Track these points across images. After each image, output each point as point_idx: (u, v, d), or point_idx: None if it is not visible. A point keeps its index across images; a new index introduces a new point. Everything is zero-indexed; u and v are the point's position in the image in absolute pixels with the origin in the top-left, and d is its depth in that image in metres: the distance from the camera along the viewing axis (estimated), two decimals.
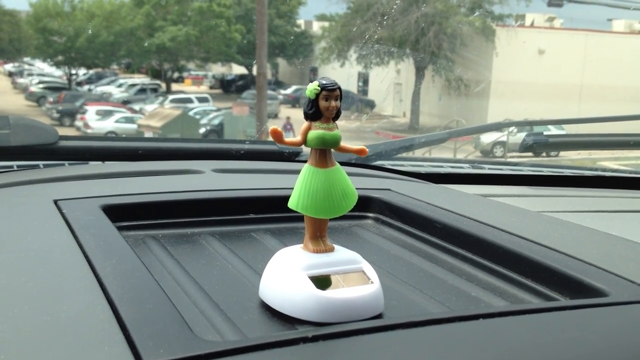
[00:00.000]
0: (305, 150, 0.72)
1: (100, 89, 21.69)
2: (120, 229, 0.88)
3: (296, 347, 0.54)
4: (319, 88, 0.67)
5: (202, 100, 19.51)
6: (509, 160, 3.59)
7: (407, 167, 1.72)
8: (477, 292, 0.78)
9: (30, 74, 23.75)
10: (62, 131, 1.46)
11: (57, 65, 22.99)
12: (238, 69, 25.29)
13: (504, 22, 17.81)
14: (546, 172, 1.87)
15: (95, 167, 1.40)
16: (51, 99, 19.16)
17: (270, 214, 1.01)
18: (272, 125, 0.67)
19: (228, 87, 24.45)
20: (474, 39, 16.67)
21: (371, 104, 18.51)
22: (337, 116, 0.69)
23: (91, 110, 16.68)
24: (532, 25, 17.99)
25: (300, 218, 0.73)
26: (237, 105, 15.41)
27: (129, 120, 16.13)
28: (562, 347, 0.57)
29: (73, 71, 22.86)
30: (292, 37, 23.14)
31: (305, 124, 0.69)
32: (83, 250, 0.75)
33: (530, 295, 0.77)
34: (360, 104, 17.27)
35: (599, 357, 0.57)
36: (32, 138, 1.37)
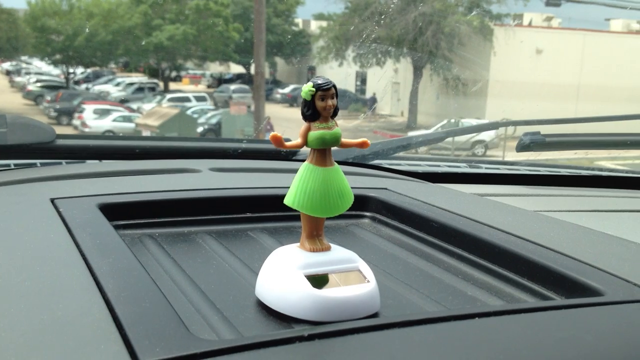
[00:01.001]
0: (303, 149, 0.72)
1: (97, 87, 21.65)
2: (117, 227, 0.88)
3: (292, 346, 0.54)
4: (314, 89, 0.67)
5: (199, 99, 19.49)
6: (505, 159, 3.59)
7: (404, 166, 1.73)
8: (474, 291, 0.79)
9: (27, 73, 23.69)
10: (60, 130, 1.47)
11: (55, 63, 22.94)
12: (236, 68, 25.26)
13: (502, 21, 17.80)
14: (543, 171, 1.87)
15: (92, 165, 1.40)
16: (49, 98, 19.11)
17: (267, 213, 1.01)
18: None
19: None
20: (472, 39, 16.66)
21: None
22: (334, 114, 0.69)
23: (89, 109, 16.64)
24: (529, 25, 17.99)
25: (297, 217, 0.73)
26: (234, 104, 15.39)
27: (127, 119, 16.10)
28: (557, 346, 0.57)
29: (71, 70, 22.81)
30: (289, 36, 23.12)
31: (305, 125, 0.69)
32: (80, 249, 0.75)
33: (526, 295, 0.77)
34: (371, 102, 17.26)
35: (595, 356, 0.57)
36: (29, 137, 1.37)
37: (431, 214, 0.98)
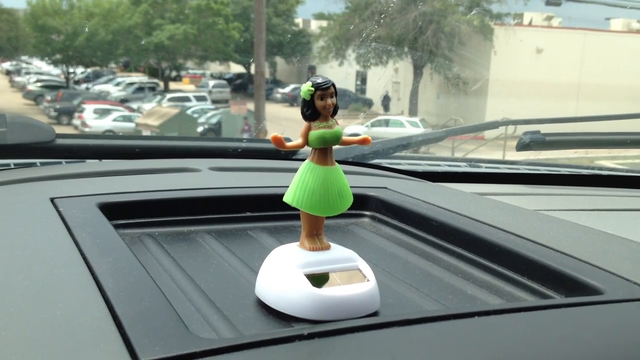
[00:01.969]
0: (304, 148, 0.72)
1: (98, 87, 21.65)
2: (116, 227, 0.88)
3: (292, 345, 0.54)
4: (313, 88, 0.67)
5: (200, 98, 19.50)
6: (505, 158, 3.59)
7: (404, 165, 1.72)
8: (473, 290, 0.79)
9: (27, 73, 23.68)
10: (60, 129, 1.47)
11: (55, 63, 22.94)
12: (236, 68, 25.25)
13: (502, 20, 17.81)
14: (543, 170, 1.87)
15: (92, 165, 1.40)
16: (49, 98, 19.09)
17: (266, 212, 1.01)
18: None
19: None
20: (472, 38, 16.66)
21: (369, 103, 18.52)
22: (334, 112, 0.69)
23: (89, 108, 16.64)
24: (530, 24, 17.98)
25: (296, 216, 0.73)
26: (235, 104, 15.40)
27: (127, 118, 16.10)
28: (557, 344, 0.57)
29: (71, 70, 22.81)
30: (290, 36, 23.11)
31: (305, 124, 0.69)
32: (79, 248, 0.75)
33: (525, 293, 0.77)
34: (384, 101, 17.26)
35: (594, 355, 0.57)
36: (29, 136, 1.37)
37: (431, 213, 0.98)
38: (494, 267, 0.84)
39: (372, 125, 14.37)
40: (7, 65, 25.15)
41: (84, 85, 22.46)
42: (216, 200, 1.01)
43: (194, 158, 1.39)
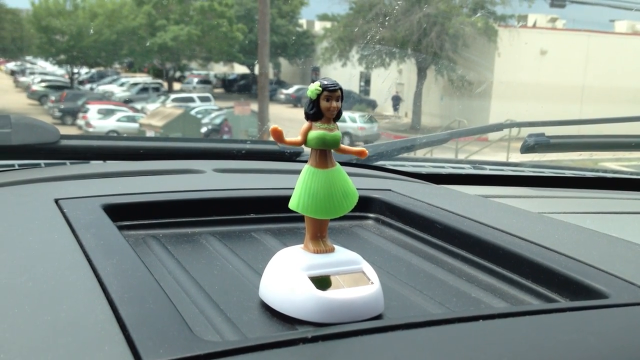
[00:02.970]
0: (306, 150, 0.72)
1: (102, 87, 21.66)
2: (120, 228, 0.88)
3: (296, 348, 0.54)
4: (321, 89, 0.67)
5: (203, 99, 19.51)
6: (510, 161, 3.58)
7: (408, 167, 1.72)
8: (477, 293, 0.78)
9: (32, 73, 23.71)
10: (64, 130, 1.47)
11: (59, 64, 22.97)
12: (240, 69, 25.27)
13: (507, 22, 17.79)
14: (547, 173, 1.87)
15: (96, 166, 1.40)
16: (53, 98, 19.12)
17: (270, 214, 1.01)
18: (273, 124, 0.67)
19: (230, 87, 24.46)
20: (476, 40, 16.65)
21: (373, 104, 18.50)
22: (337, 117, 0.69)
23: (93, 109, 16.65)
24: (534, 26, 17.98)
25: (300, 218, 0.73)
26: (239, 105, 15.40)
27: (131, 119, 16.12)
28: (562, 348, 0.57)
29: (75, 70, 22.83)
30: (294, 37, 23.12)
31: (306, 124, 0.69)
32: (83, 250, 0.75)
33: (530, 297, 0.77)
34: (395, 101, 17.22)
35: (599, 359, 0.57)
36: (34, 137, 1.37)
37: (435, 216, 0.98)
38: (498, 270, 0.83)
39: None
40: (11, 65, 25.20)
41: (88, 86, 22.48)
42: (220, 202, 1.01)
43: (198, 159, 1.39)
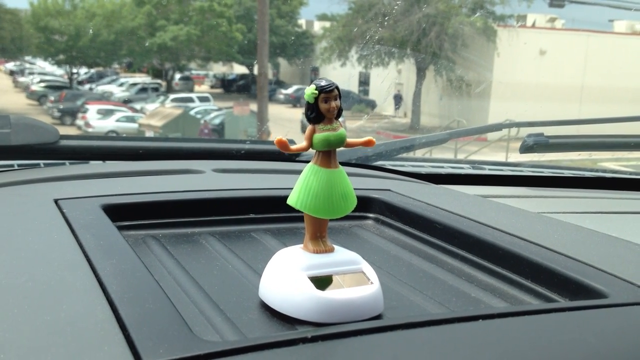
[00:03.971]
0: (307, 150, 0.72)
1: (101, 88, 21.67)
2: (120, 228, 0.88)
3: (295, 348, 0.54)
4: (317, 91, 0.67)
5: (203, 99, 19.51)
6: (509, 161, 3.59)
7: (408, 167, 1.72)
8: (477, 293, 0.79)
9: (31, 73, 23.70)
10: (63, 130, 1.47)
11: (59, 64, 22.97)
12: (239, 69, 25.27)
13: (506, 22, 17.79)
14: (546, 173, 1.87)
15: (95, 166, 1.40)
16: (52, 98, 19.12)
17: (270, 214, 1.01)
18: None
19: (229, 87, 24.46)
20: (475, 40, 16.66)
21: (372, 104, 18.50)
22: (339, 115, 0.69)
23: (92, 109, 16.65)
24: (533, 26, 17.98)
25: (300, 218, 0.73)
26: (238, 105, 15.39)
27: (130, 119, 16.11)
28: (561, 348, 0.57)
29: (74, 70, 22.83)
30: (293, 37, 23.12)
31: (309, 127, 0.69)
32: (83, 250, 0.75)
33: (529, 297, 0.77)
34: (397, 100, 17.20)
35: (598, 359, 0.57)
36: (33, 137, 1.37)
37: (434, 216, 0.98)
38: (497, 269, 0.83)
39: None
40: (10, 65, 25.19)
41: (87, 86, 22.49)
42: (220, 202, 1.01)
43: (198, 160, 1.39)
